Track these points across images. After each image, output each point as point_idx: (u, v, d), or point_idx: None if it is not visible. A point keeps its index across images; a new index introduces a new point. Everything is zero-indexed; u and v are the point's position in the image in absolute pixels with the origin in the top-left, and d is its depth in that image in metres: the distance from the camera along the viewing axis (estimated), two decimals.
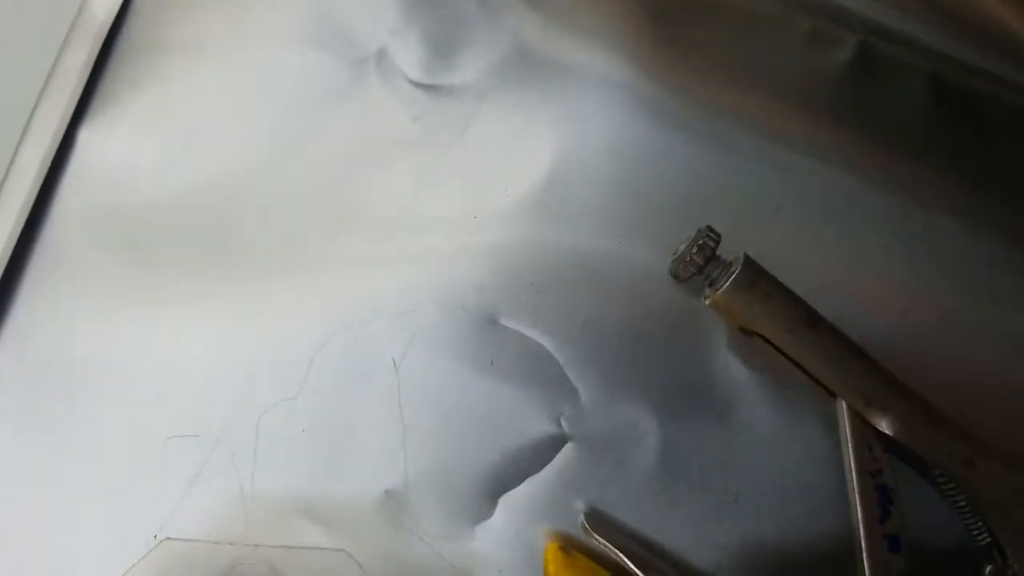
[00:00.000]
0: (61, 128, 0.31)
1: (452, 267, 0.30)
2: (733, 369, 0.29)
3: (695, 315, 0.29)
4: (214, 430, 0.29)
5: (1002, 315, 0.29)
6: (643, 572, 0.26)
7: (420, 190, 0.31)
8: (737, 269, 0.26)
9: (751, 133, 0.30)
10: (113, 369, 0.30)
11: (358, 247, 0.30)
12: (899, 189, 0.30)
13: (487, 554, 0.28)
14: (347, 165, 0.31)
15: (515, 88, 0.31)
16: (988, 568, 0.26)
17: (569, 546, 0.28)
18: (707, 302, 0.26)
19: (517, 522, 0.28)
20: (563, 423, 0.29)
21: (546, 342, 0.29)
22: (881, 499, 0.25)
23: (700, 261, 0.26)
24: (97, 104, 0.31)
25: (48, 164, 0.31)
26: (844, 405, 0.26)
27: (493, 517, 0.28)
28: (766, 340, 0.26)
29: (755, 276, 0.26)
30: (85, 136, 0.31)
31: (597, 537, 0.27)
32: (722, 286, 0.26)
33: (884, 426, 0.25)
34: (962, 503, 0.26)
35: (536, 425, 0.29)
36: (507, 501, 0.28)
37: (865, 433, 0.25)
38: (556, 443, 0.29)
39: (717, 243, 0.26)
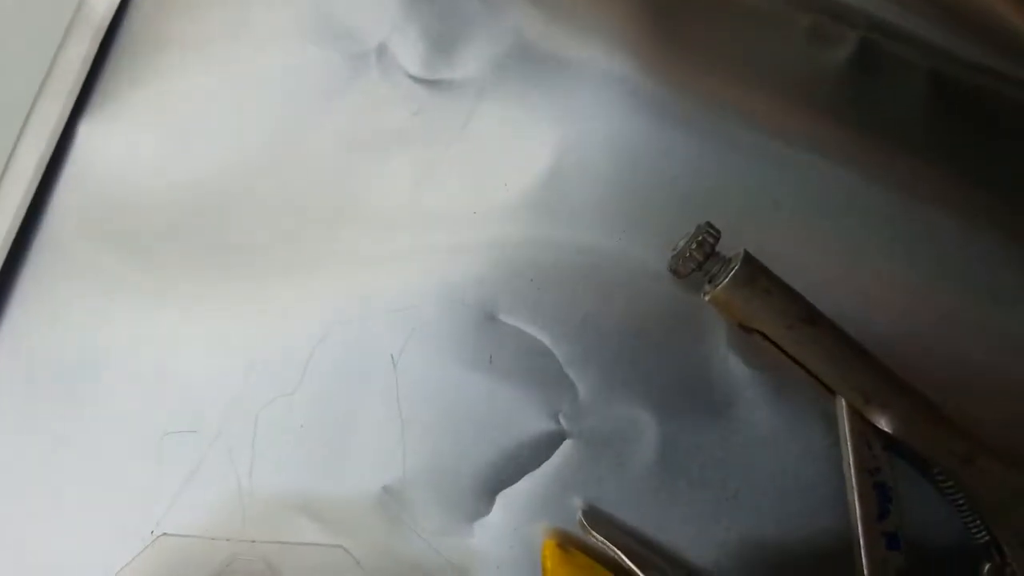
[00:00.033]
0: (60, 123, 0.31)
1: (451, 263, 0.30)
2: (732, 366, 0.29)
3: (695, 312, 0.29)
4: (212, 426, 0.29)
5: (1002, 314, 0.29)
6: (641, 570, 0.26)
7: (420, 185, 0.31)
8: (736, 265, 0.26)
9: (751, 129, 0.30)
10: (111, 364, 0.30)
11: (357, 242, 0.30)
12: (899, 186, 0.30)
13: (485, 551, 0.28)
14: (347, 160, 0.31)
15: (515, 84, 0.31)
16: (987, 566, 0.26)
17: (567, 543, 0.28)
18: (706, 298, 0.26)
19: (515, 519, 0.28)
20: (562, 420, 0.29)
21: (545, 338, 0.29)
22: (880, 497, 0.25)
23: (700, 257, 0.26)
24: (97, 99, 0.31)
25: (47, 159, 0.31)
26: (843, 402, 0.26)
27: (491, 514, 0.28)
28: (765, 337, 0.26)
29: (754, 272, 0.26)
30: (84, 131, 0.31)
31: (595, 534, 0.27)
32: (721, 282, 0.26)
33: (883, 423, 0.25)
34: (961, 501, 0.26)
35: (535, 422, 0.29)
36: (505, 498, 0.28)
37: (864, 430, 0.25)
38: (555, 440, 0.29)
39: (717, 239, 0.26)
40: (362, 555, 0.28)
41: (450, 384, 0.29)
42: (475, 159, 0.31)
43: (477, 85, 0.31)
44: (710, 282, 0.27)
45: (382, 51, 0.32)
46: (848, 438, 0.26)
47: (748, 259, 0.26)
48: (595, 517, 0.28)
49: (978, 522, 0.26)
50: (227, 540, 0.28)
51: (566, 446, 0.29)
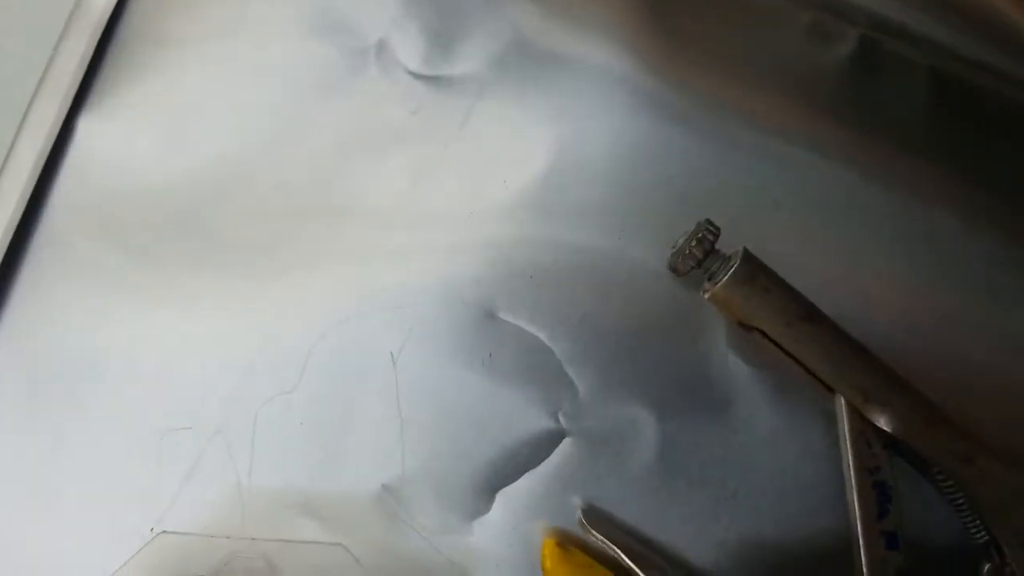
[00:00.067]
0: (59, 120, 0.31)
1: (450, 261, 0.30)
2: (732, 365, 0.29)
3: (694, 310, 0.29)
4: (211, 424, 0.29)
5: (1002, 314, 0.29)
6: (640, 568, 0.26)
7: (418, 183, 0.31)
8: (736, 263, 0.26)
9: (751, 128, 0.30)
10: (110, 360, 0.30)
11: (356, 240, 0.30)
12: (899, 185, 0.30)
13: (484, 549, 0.28)
14: (346, 157, 0.31)
15: (514, 82, 0.31)
16: (986, 566, 0.26)
17: (566, 542, 0.28)
18: (706, 296, 0.26)
19: (514, 517, 0.28)
20: (561, 418, 0.29)
21: (544, 336, 0.29)
22: (879, 496, 0.25)
23: (699, 255, 0.26)
24: (95, 95, 0.31)
25: (46, 155, 0.31)
26: (843, 401, 0.25)
27: (491, 512, 0.28)
28: (765, 335, 0.26)
29: (754, 270, 0.26)
30: (83, 127, 0.31)
31: (594, 533, 0.27)
32: (721, 280, 0.26)
33: (883, 422, 0.25)
34: (960, 501, 0.25)
35: (534, 420, 0.29)
36: (505, 496, 0.28)
37: (864, 429, 0.25)
38: (554, 438, 0.29)
39: (716, 237, 0.26)
40: (361, 553, 0.28)
41: (449, 382, 0.29)
42: (474, 157, 0.31)
43: (476, 82, 0.31)
44: (709, 280, 0.27)
45: (382, 47, 0.32)
46: (847, 437, 0.25)
47: (747, 257, 0.26)
48: (594, 516, 0.28)
49: (978, 522, 0.25)
50: (227, 538, 0.28)
51: (565, 444, 0.29)
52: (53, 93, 0.31)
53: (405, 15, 0.32)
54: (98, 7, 0.32)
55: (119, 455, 0.29)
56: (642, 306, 0.29)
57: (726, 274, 0.26)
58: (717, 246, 0.26)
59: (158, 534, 0.28)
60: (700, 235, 0.26)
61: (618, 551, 0.27)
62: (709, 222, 0.26)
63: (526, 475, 0.28)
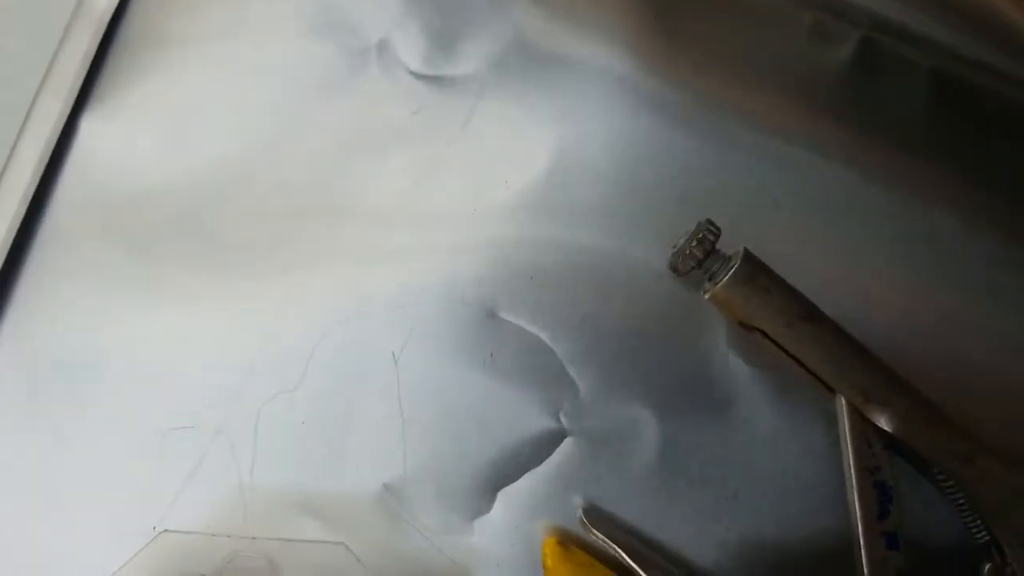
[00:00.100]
0: (61, 120, 0.31)
1: (452, 261, 0.30)
2: (733, 365, 0.29)
3: (695, 311, 0.29)
4: (213, 422, 0.29)
5: (1002, 314, 0.29)
6: (641, 568, 0.26)
7: (420, 183, 0.31)
8: (736, 263, 0.26)
9: (752, 128, 0.30)
10: (112, 360, 0.30)
11: (358, 240, 0.30)
12: (899, 185, 0.30)
13: (485, 548, 0.28)
14: (347, 157, 0.31)
15: (516, 81, 0.31)
16: (986, 567, 0.26)
17: (567, 541, 0.28)
18: (706, 296, 0.26)
19: (516, 517, 0.28)
20: (562, 418, 0.29)
21: (545, 336, 0.29)
22: (880, 496, 0.25)
23: (699, 255, 0.26)
24: (98, 95, 0.31)
25: (48, 155, 0.31)
26: (843, 401, 0.26)
27: (492, 512, 0.28)
28: (765, 335, 0.26)
29: (754, 270, 0.26)
30: (86, 127, 0.31)
31: (595, 532, 0.27)
32: (721, 280, 0.26)
33: (883, 422, 0.25)
34: (961, 501, 0.26)
35: (535, 420, 0.29)
36: (506, 496, 0.28)
37: (864, 429, 0.25)
38: (555, 438, 0.29)
39: (717, 237, 0.26)
40: (363, 552, 0.28)
41: (451, 382, 0.29)
42: (475, 158, 0.31)
43: (478, 82, 0.31)
44: (710, 280, 0.27)
45: (383, 47, 0.32)
46: (848, 437, 0.25)
47: (748, 257, 0.26)
48: (595, 515, 0.28)
49: (978, 522, 0.26)
50: (228, 536, 0.28)
51: (566, 444, 0.29)
52: (55, 93, 0.31)
53: (406, 15, 0.32)
54: (100, 8, 0.32)
55: (121, 454, 0.29)
56: (643, 306, 0.29)
57: (727, 274, 0.26)
58: (718, 246, 0.26)
59: (160, 533, 0.28)
60: (701, 235, 0.26)
61: (619, 550, 0.27)
62: (710, 222, 0.26)
63: (527, 475, 0.28)
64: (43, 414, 0.29)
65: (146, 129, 0.31)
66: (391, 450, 0.29)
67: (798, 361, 0.26)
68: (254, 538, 0.28)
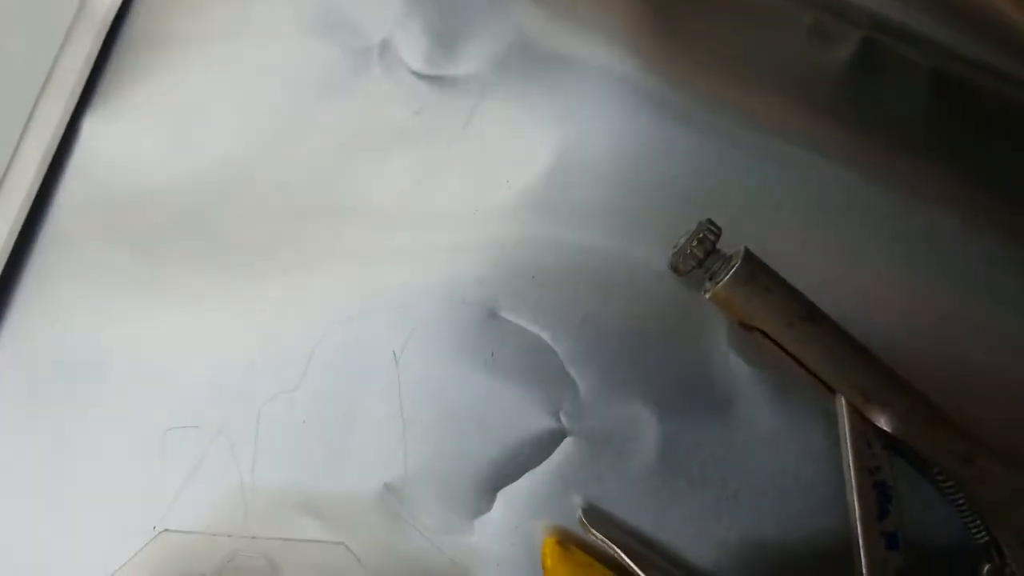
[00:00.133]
0: (63, 121, 0.31)
1: (453, 260, 0.30)
2: (733, 365, 0.29)
3: (695, 310, 0.29)
4: (214, 422, 0.29)
5: (1002, 314, 0.29)
6: (641, 568, 0.26)
7: (421, 183, 0.31)
8: (737, 263, 0.26)
9: (752, 128, 0.30)
10: (114, 360, 0.30)
11: (359, 240, 0.30)
12: (899, 185, 0.30)
13: (486, 548, 0.28)
14: (349, 157, 0.31)
15: (517, 81, 0.31)
16: (986, 567, 0.26)
17: (567, 541, 0.28)
18: (707, 296, 0.26)
19: (516, 516, 0.28)
20: (562, 418, 0.29)
21: (546, 336, 0.29)
22: (879, 496, 0.25)
23: (700, 254, 0.26)
24: (100, 95, 0.31)
25: (51, 155, 0.31)
26: (843, 401, 0.25)
27: (492, 511, 0.28)
28: (765, 335, 0.26)
29: (755, 270, 0.26)
30: (88, 127, 0.31)
31: (595, 532, 0.27)
32: (722, 279, 0.26)
33: (883, 422, 0.25)
34: (961, 501, 0.25)
35: (535, 420, 0.29)
36: (506, 495, 0.28)
37: (864, 429, 0.25)
38: (555, 438, 0.29)
39: (717, 236, 0.26)
40: (363, 552, 0.28)
41: (451, 382, 0.29)
42: (477, 157, 0.31)
43: (479, 82, 0.31)
44: (711, 279, 0.27)
45: (385, 47, 0.32)
46: (848, 437, 0.25)
47: (749, 256, 0.26)
48: (595, 515, 0.28)
49: (978, 522, 0.25)
50: (228, 536, 0.28)
51: (567, 444, 0.29)
52: (58, 94, 0.31)
53: (408, 15, 0.32)
54: (103, 8, 0.32)
55: (122, 454, 0.29)
56: (644, 306, 0.29)
57: (727, 274, 0.26)
58: (718, 246, 0.26)
59: (160, 532, 0.29)
60: (701, 235, 0.26)
61: (618, 550, 0.27)
62: (710, 222, 0.26)
63: (527, 474, 0.28)
64: (44, 414, 0.30)
65: (148, 129, 0.31)
66: (392, 450, 0.29)
67: (798, 361, 0.26)
68: (254, 538, 0.28)
